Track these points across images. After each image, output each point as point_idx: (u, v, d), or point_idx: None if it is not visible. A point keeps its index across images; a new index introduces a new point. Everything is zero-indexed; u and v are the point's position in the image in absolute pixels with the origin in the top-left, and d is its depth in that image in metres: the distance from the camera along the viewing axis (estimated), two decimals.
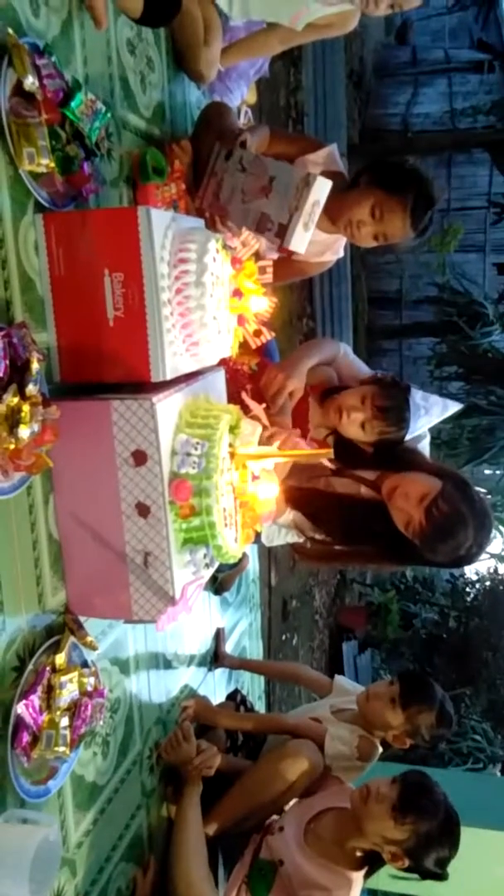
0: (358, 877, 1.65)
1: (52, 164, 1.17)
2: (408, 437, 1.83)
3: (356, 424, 1.77)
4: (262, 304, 1.47)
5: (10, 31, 1.12)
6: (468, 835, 1.71)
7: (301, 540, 1.95)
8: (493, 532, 1.69)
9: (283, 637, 5.00)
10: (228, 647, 2.31)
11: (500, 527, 6.80)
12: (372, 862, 1.66)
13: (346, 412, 1.77)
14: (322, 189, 1.59)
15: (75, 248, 1.23)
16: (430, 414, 1.90)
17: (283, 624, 4.98)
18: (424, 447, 1.96)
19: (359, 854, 1.64)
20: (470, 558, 1.72)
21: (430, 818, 1.59)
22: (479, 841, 2.42)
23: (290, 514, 1.90)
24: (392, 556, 1.85)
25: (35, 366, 1.08)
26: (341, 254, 2.10)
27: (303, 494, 1.86)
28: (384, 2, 1.72)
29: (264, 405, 1.67)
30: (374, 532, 1.78)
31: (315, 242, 1.97)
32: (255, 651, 2.74)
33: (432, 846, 1.59)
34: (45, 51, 1.20)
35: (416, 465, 1.79)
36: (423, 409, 1.88)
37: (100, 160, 1.39)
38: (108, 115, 1.34)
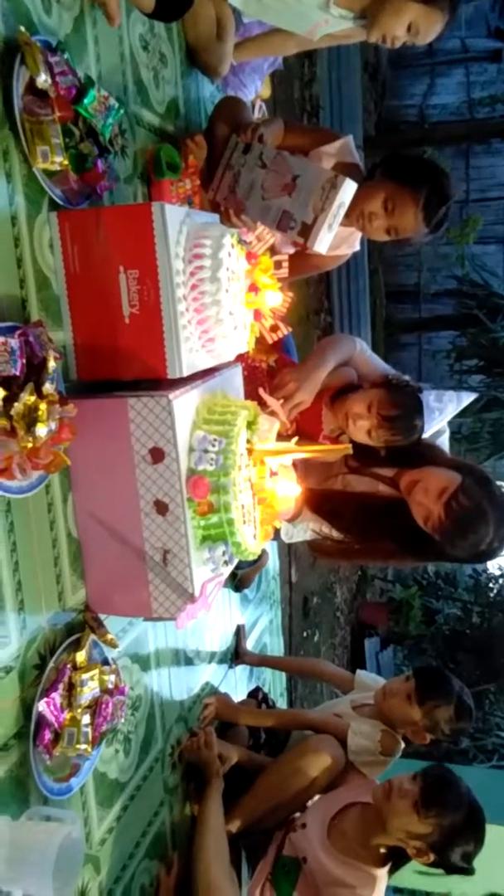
0: (382, 873, 1.63)
1: (66, 162, 1.17)
2: (424, 436, 1.82)
3: (363, 431, 1.76)
4: (277, 298, 1.46)
5: (23, 28, 1.12)
6: (494, 832, 1.69)
7: (319, 537, 1.94)
8: None
9: (305, 634, 4.99)
10: (249, 644, 2.31)
11: None
12: (396, 858, 1.65)
13: (352, 419, 1.76)
14: (348, 191, 1.59)
15: (90, 245, 1.22)
16: (444, 413, 1.87)
17: (304, 620, 4.96)
18: (444, 442, 1.94)
19: (382, 851, 1.62)
20: (491, 553, 1.69)
21: (454, 811, 1.57)
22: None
23: (308, 514, 1.89)
24: (412, 552, 1.84)
25: (52, 364, 1.08)
26: (357, 247, 2.08)
27: (320, 496, 1.85)
28: (399, 44, 1.71)
29: (282, 401, 1.66)
30: (394, 528, 1.77)
31: None
32: (276, 648, 2.73)
33: (457, 840, 1.58)
34: (57, 48, 1.20)
35: (435, 460, 1.77)
36: (436, 410, 1.85)
37: (114, 157, 1.39)
38: (122, 111, 1.34)
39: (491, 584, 8.10)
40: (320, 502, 1.85)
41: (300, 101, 5.12)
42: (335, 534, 1.87)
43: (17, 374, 1.02)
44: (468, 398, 2.00)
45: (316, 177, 1.60)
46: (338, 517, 1.85)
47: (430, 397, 1.84)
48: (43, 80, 1.12)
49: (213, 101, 1.96)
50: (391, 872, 1.68)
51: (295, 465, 1.72)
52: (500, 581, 8.06)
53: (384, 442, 1.75)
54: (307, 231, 1.62)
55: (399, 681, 1.88)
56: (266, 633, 2.59)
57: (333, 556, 2.00)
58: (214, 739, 1.75)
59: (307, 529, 2.00)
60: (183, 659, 1.80)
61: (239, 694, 2.19)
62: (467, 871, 1.61)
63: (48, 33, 1.22)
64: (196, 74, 1.89)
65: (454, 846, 1.57)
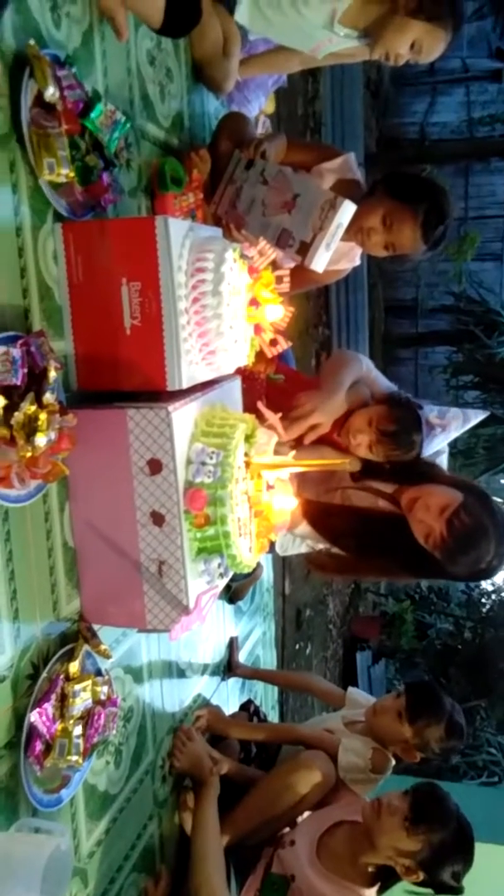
0: (370, 893, 1.63)
1: (72, 174, 1.18)
2: (426, 454, 1.82)
3: (364, 446, 1.77)
4: (278, 313, 1.47)
5: (32, 42, 1.13)
6: (483, 851, 1.69)
7: (315, 550, 1.94)
8: None
9: (297, 646, 4.98)
10: (242, 656, 2.30)
11: None
12: (385, 878, 1.64)
13: (352, 434, 1.77)
14: (347, 212, 1.60)
15: (93, 256, 1.23)
16: (447, 430, 1.88)
17: (296, 633, 4.95)
18: (443, 461, 1.94)
19: (371, 870, 1.62)
20: (490, 572, 1.70)
21: (443, 828, 1.57)
22: (495, 857, 2.37)
23: (306, 526, 1.89)
24: (410, 569, 1.84)
25: (52, 374, 1.09)
26: (357, 262, 2.10)
27: (319, 509, 1.85)
28: (402, 61, 1.73)
29: (280, 414, 1.67)
30: (393, 545, 1.77)
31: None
32: (269, 660, 2.73)
33: (446, 858, 1.57)
34: (66, 62, 1.21)
35: (436, 478, 1.78)
36: (438, 427, 1.86)
37: (119, 170, 1.40)
38: (128, 125, 1.35)
39: (483, 600, 8.11)
40: (319, 516, 1.86)
41: (303, 117, 5.17)
42: (333, 549, 1.88)
43: (18, 383, 1.03)
44: (476, 417, 1.98)
45: (316, 196, 1.62)
46: (336, 532, 1.85)
47: (431, 413, 1.85)
48: (51, 93, 1.13)
49: (218, 116, 1.98)
50: (380, 892, 1.67)
51: (295, 476, 1.72)
52: (493, 597, 8.07)
53: (384, 457, 1.76)
54: (305, 249, 1.63)
55: (390, 698, 1.88)
56: (259, 645, 2.58)
57: (330, 571, 2.00)
58: (198, 735, 1.74)
59: (303, 542, 2.00)
60: (175, 671, 1.79)
61: (231, 706, 2.18)
62: (457, 889, 1.61)
63: (57, 47, 1.23)
64: (201, 90, 1.91)
65: (443, 864, 1.57)
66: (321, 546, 1.96)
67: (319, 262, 1.63)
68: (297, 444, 1.76)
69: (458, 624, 7.81)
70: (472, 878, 1.65)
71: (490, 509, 1.66)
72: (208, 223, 1.70)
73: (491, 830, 2.35)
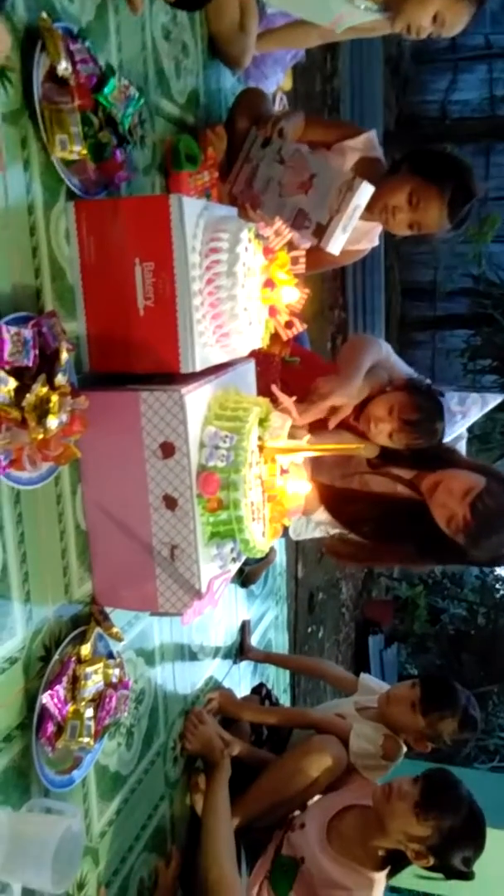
0: (380, 877, 1.63)
1: (85, 151, 1.16)
2: (445, 440, 1.80)
3: (384, 434, 1.75)
4: (294, 295, 1.44)
5: (45, 14, 1.10)
6: (495, 836, 1.68)
7: (330, 535, 1.93)
8: None
9: (309, 630, 4.99)
10: (254, 639, 2.30)
11: None
12: (395, 862, 1.64)
13: (373, 422, 1.75)
14: (365, 193, 1.57)
15: (106, 236, 1.21)
16: (467, 416, 1.86)
17: (309, 616, 4.96)
18: (462, 447, 1.92)
19: (381, 854, 1.62)
20: None
21: (454, 814, 1.56)
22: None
23: (323, 511, 1.88)
24: (429, 556, 1.83)
25: (64, 356, 1.07)
26: (376, 242, 2.06)
27: (337, 495, 1.84)
28: (424, 34, 1.68)
29: (294, 398, 1.65)
30: (412, 531, 1.76)
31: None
32: (281, 643, 2.73)
33: (457, 843, 1.57)
34: (79, 36, 1.19)
35: (457, 463, 1.77)
36: (459, 413, 1.84)
37: (132, 147, 1.37)
38: (142, 101, 1.32)
39: (497, 586, 8.07)
40: (338, 501, 1.85)
41: (321, 94, 5.08)
42: (350, 535, 1.87)
43: (30, 364, 1.02)
44: (494, 400, 1.98)
45: (333, 177, 1.59)
46: (354, 518, 1.84)
47: (452, 401, 1.83)
48: (63, 67, 1.11)
49: (235, 92, 1.94)
50: (390, 876, 1.67)
51: (309, 460, 1.70)
52: None
53: (405, 445, 1.75)
54: (321, 231, 1.60)
55: (404, 687, 1.87)
56: (271, 628, 2.58)
57: (346, 559, 2.00)
58: (209, 717, 1.74)
59: (317, 526, 1.99)
60: (187, 653, 1.80)
61: (243, 689, 2.19)
62: (467, 875, 1.60)
63: (70, 20, 1.20)
64: (218, 65, 1.87)
65: (454, 850, 1.56)
66: (337, 531, 1.94)
67: (336, 244, 1.61)
68: (315, 427, 1.74)
69: (472, 609, 7.78)
70: (484, 863, 1.64)
71: None
72: (224, 202, 1.67)
73: (501, 816, 2.35)
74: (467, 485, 1.65)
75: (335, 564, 5.52)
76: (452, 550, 1.70)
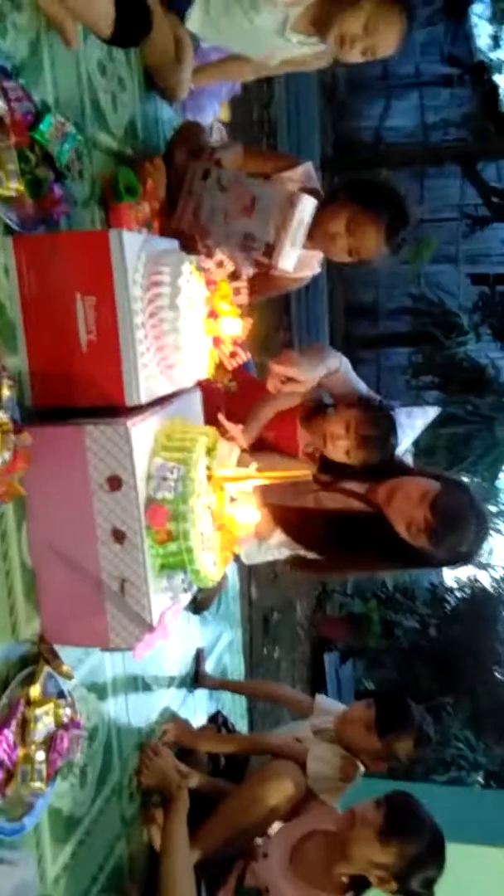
0: None
1: (22, 188, 1.16)
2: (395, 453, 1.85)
3: (341, 451, 1.79)
4: (236, 326, 1.46)
5: None
6: (452, 851, 1.70)
7: (283, 560, 1.94)
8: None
9: (265, 651, 4.97)
10: (209, 665, 2.28)
11: None
12: (358, 887, 1.64)
13: (330, 439, 1.78)
14: (306, 207, 1.60)
15: (46, 271, 1.21)
16: (414, 429, 1.92)
17: (264, 638, 4.95)
18: (408, 460, 1.97)
19: (345, 880, 1.62)
20: (470, 555, 1.76)
21: (417, 840, 1.58)
22: (463, 857, 2.40)
23: (280, 534, 1.89)
24: (390, 562, 1.86)
25: (6, 392, 1.06)
26: (318, 269, 2.10)
27: (292, 515, 1.85)
28: (357, 49, 1.72)
29: (240, 426, 1.66)
30: (372, 542, 1.79)
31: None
32: (237, 667, 2.71)
33: (419, 868, 1.59)
34: (12, 73, 1.19)
35: (408, 472, 1.83)
36: (407, 427, 1.89)
37: (71, 181, 1.37)
38: (79, 137, 1.33)
39: (448, 598, 8.20)
40: (293, 522, 1.86)
41: (258, 122, 5.18)
42: (309, 554, 1.89)
43: None
44: (434, 412, 2.06)
45: (273, 196, 1.61)
46: (313, 537, 1.86)
47: (401, 415, 1.88)
48: None
49: (172, 124, 1.96)
50: None
51: (259, 487, 1.72)
52: (457, 594, 8.17)
53: (361, 461, 1.78)
54: (271, 250, 1.62)
55: (360, 708, 1.88)
56: (226, 652, 2.57)
57: (311, 570, 2.02)
58: (165, 749, 1.72)
59: (269, 550, 1.99)
60: (141, 685, 1.77)
61: (199, 717, 2.16)
62: None
63: (3, 58, 1.20)
64: (155, 98, 1.89)
65: (416, 874, 1.58)
66: (292, 552, 1.96)
67: (287, 260, 1.62)
68: (254, 450, 1.76)
69: (424, 622, 7.89)
70: (442, 877, 1.66)
71: (467, 492, 1.74)
72: (166, 235, 1.68)
73: (459, 830, 2.38)
74: (423, 488, 1.70)
75: (288, 583, 5.53)
76: (412, 554, 1.74)
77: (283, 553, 1.99)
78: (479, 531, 1.71)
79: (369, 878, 1.60)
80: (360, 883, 1.63)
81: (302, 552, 1.93)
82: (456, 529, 1.67)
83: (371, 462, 1.79)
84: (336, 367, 1.93)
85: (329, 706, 2.06)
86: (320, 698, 2.11)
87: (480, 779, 7.03)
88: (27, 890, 1.06)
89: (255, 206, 1.62)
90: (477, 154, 7.89)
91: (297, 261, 1.95)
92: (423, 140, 9.17)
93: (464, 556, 1.76)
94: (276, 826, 1.78)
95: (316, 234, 1.83)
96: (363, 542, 1.82)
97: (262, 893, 1.64)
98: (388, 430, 1.80)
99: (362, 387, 1.99)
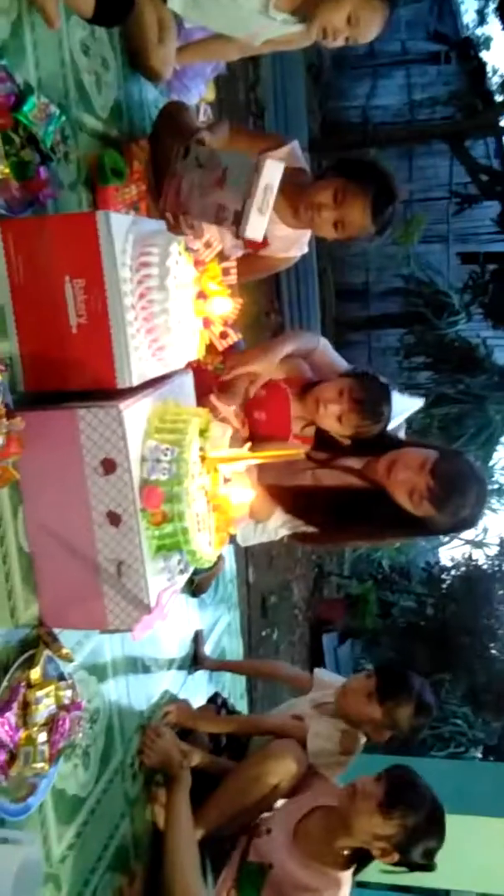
0: (346, 876, 1.65)
1: (7, 171, 1.15)
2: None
3: (333, 417, 1.81)
4: (226, 305, 1.46)
5: None
6: (451, 822, 1.73)
7: (278, 539, 1.97)
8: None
9: (263, 633, 5.01)
10: (208, 647, 2.30)
11: None
12: (360, 860, 1.67)
13: (322, 404, 1.80)
14: (272, 172, 1.57)
15: (34, 255, 1.20)
16: (395, 416, 1.94)
17: (262, 620, 4.98)
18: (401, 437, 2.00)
19: (347, 853, 1.64)
20: (472, 520, 1.79)
21: (417, 811, 1.60)
22: (463, 827, 2.44)
23: (280, 513, 1.91)
24: (393, 529, 1.89)
25: None
26: (306, 249, 2.10)
27: (291, 493, 1.87)
28: (340, 38, 1.71)
29: (233, 406, 1.66)
30: (374, 513, 1.81)
31: (280, 238, 1.96)
32: (236, 649, 2.73)
33: (420, 839, 1.61)
34: None
35: (405, 444, 1.86)
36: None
37: (57, 164, 1.36)
38: (63, 118, 1.32)
39: (443, 576, 8.27)
40: (293, 499, 1.88)
41: (245, 103, 5.13)
42: (309, 530, 1.91)
43: None
44: (419, 403, 2.14)
45: (243, 165, 1.59)
46: (316, 512, 1.88)
47: (393, 392, 1.90)
48: None
49: (157, 104, 1.95)
50: (356, 873, 1.70)
51: (253, 467, 1.73)
52: (453, 573, 8.24)
53: (354, 426, 1.80)
54: (239, 218, 1.60)
55: (359, 679, 1.90)
56: (225, 635, 2.58)
57: (314, 542, 2.04)
58: (166, 730, 1.74)
59: (264, 531, 2.00)
60: (141, 667, 1.78)
61: (199, 699, 2.18)
62: (428, 867, 1.65)
63: None
64: (139, 78, 1.87)
65: (417, 845, 1.61)
66: (298, 531, 1.97)
67: (254, 228, 1.59)
68: (251, 438, 1.77)
69: (420, 601, 7.96)
70: (444, 848, 1.69)
71: (465, 459, 1.81)
72: (153, 216, 1.67)
73: (459, 802, 2.42)
74: (422, 457, 1.73)
75: (285, 565, 5.57)
76: (414, 522, 1.77)
77: (280, 534, 2.01)
78: (479, 495, 1.75)
79: (371, 850, 1.62)
80: (361, 856, 1.66)
81: (303, 529, 1.95)
82: (458, 494, 1.71)
83: (363, 430, 1.80)
84: (312, 345, 1.99)
85: (328, 680, 2.08)
86: (319, 671, 2.13)
87: (479, 754, 7.13)
88: (33, 869, 1.07)
89: (227, 177, 1.60)
90: (465, 131, 7.84)
91: (281, 247, 1.95)
92: (410, 118, 9.11)
93: (467, 521, 1.79)
94: (279, 802, 1.80)
95: (303, 204, 1.83)
96: (366, 514, 1.85)
97: (265, 869, 1.66)
98: (381, 396, 1.82)
99: (343, 363, 2.02)
